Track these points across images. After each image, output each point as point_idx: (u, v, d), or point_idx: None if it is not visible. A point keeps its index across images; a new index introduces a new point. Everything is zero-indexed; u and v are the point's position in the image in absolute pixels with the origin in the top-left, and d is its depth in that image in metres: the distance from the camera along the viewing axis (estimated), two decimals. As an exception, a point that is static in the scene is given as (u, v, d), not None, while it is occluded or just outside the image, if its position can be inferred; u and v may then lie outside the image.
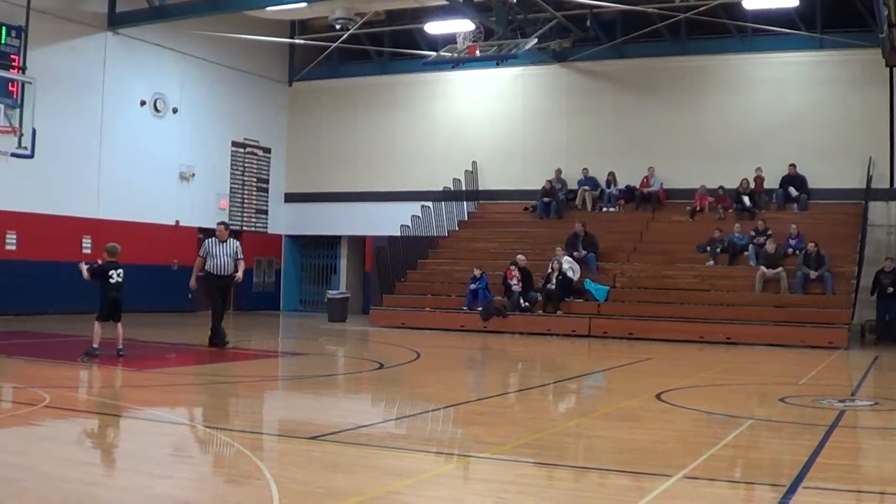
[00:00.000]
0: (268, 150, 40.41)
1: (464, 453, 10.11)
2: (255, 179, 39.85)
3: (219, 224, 21.76)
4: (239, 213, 38.92)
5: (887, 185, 32.18)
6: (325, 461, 9.26)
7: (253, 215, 39.78)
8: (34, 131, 26.07)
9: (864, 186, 31.76)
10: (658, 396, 14.42)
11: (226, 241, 20.98)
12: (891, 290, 28.11)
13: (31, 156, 26.77)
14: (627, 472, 9.16)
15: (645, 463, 9.59)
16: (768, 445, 11.16)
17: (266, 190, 40.50)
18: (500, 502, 8.06)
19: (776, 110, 33.93)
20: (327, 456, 9.52)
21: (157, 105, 35.12)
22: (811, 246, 28.89)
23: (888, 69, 31.62)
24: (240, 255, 21.00)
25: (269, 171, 40.61)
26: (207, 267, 20.84)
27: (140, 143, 34.26)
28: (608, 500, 8.17)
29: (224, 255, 20.77)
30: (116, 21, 33.11)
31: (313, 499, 7.61)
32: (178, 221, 35.87)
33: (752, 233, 30.92)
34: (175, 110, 35.81)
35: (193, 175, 36.51)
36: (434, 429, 12.10)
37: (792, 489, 8.22)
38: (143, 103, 34.57)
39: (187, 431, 10.89)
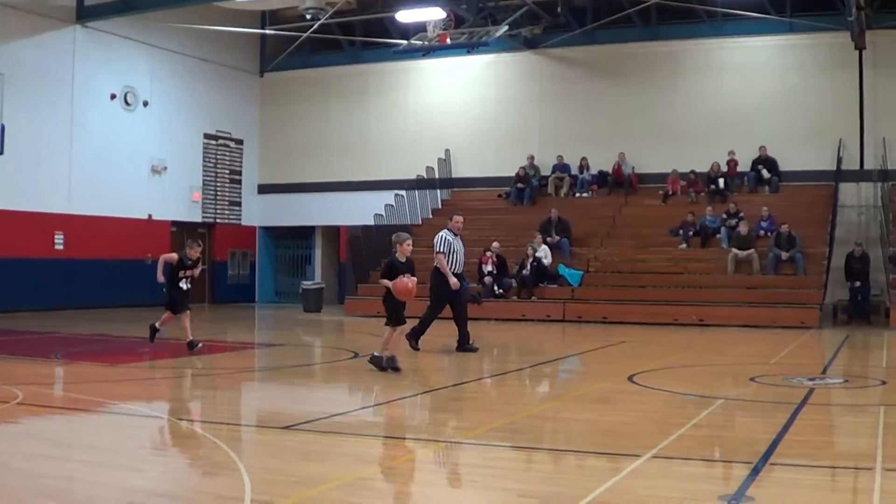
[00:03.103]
0: (240, 142, 40.35)
1: (436, 439, 10.17)
2: (227, 171, 39.78)
3: (456, 216, 19.70)
4: (212, 206, 38.87)
5: (857, 167, 32.37)
6: (298, 450, 9.30)
7: (226, 207, 39.71)
8: (3, 127, 25.83)
9: (835, 168, 31.99)
10: (630, 378, 14.52)
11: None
12: (858, 283, 28.37)
13: (1, 152, 26.61)
14: (598, 453, 9.27)
15: (616, 444, 9.69)
16: (738, 424, 11.27)
17: (239, 182, 40.42)
18: (470, 486, 8.14)
19: (747, 94, 34.07)
20: (300, 445, 9.57)
21: (128, 98, 34.99)
22: (783, 227, 29.11)
23: (857, 52, 31.74)
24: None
25: (241, 162, 40.52)
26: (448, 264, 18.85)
27: (111, 137, 34.09)
28: (579, 480, 8.23)
29: (461, 251, 19.20)
30: (85, 14, 32.92)
31: (285, 487, 7.65)
32: (150, 215, 35.76)
33: (724, 215, 31.09)
34: (146, 103, 35.68)
35: (165, 168, 36.39)
36: (407, 415, 12.16)
37: (758, 466, 8.32)
38: (113, 97, 34.41)
39: (161, 424, 10.89)
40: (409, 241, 15.64)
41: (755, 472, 8.14)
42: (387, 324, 15.41)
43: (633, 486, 7.83)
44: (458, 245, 18.88)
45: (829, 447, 9.77)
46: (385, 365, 15.01)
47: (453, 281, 18.37)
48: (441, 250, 18.54)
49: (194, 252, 18.83)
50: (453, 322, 18.98)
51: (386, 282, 15.07)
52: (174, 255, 18.97)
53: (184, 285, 18.70)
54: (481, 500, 7.72)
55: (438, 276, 18.63)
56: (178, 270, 18.57)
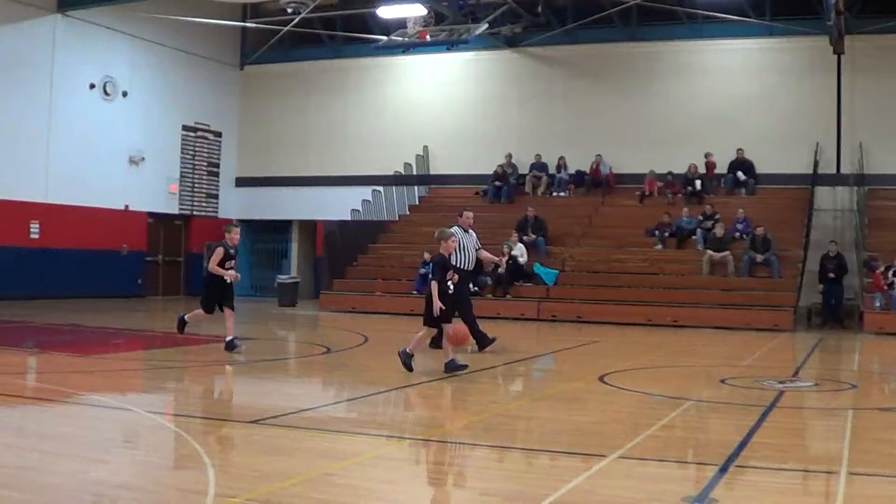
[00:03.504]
0: (219, 134, 40.22)
1: (403, 435, 10.17)
2: (205, 164, 39.66)
3: (466, 212, 19.30)
4: (189, 198, 38.76)
5: (834, 171, 32.49)
6: (264, 445, 9.30)
7: (203, 200, 39.59)
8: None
9: (811, 172, 32.13)
10: (602, 378, 14.55)
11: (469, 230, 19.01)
12: (832, 276, 28.41)
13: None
14: (565, 453, 9.29)
15: (583, 444, 9.72)
16: (706, 426, 11.30)
17: (217, 174, 40.29)
18: (434, 484, 8.15)
19: (725, 97, 34.17)
20: (267, 439, 9.56)
21: (107, 88, 34.85)
22: (758, 230, 29.20)
23: (836, 56, 31.84)
24: (479, 246, 19.15)
25: (219, 155, 40.38)
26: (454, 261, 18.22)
27: (89, 127, 33.91)
28: (544, 480, 8.26)
29: (473, 247, 18.88)
30: (66, 3, 32.72)
31: (249, 482, 7.66)
32: (127, 206, 35.60)
33: (701, 217, 31.16)
34: (125, 94, 35.53)
35: (143, 159, 36.24)
36: (376, 412, 12.14)
37: (724, 468, 8.35)
38: (92, 87, 34.24)
39: (129, 417, 10.83)
40: (454, 238, 15.55)
41: (721, 473, 8.19)
42: (425, 323, 15.08)
43: (597, 486, 7.85)
44: (467, 241, 18.51)
45: (795, 450, 9.78)
46: (448, 369, 14.67)
47: (455, 278, 18.15)
48: None
49: (235, 236, 17.67)
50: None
51: (436, 287, 14.77)
52: (220, 252, 17.31)
53: (228, 279, 17.39)
54: (443, 498, 7.74)
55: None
56: (223, 263, 17.27)
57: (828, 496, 7.81)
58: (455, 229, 18.20)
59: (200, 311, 17.77)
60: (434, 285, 14.80)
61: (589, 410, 12.13)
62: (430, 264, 15.92)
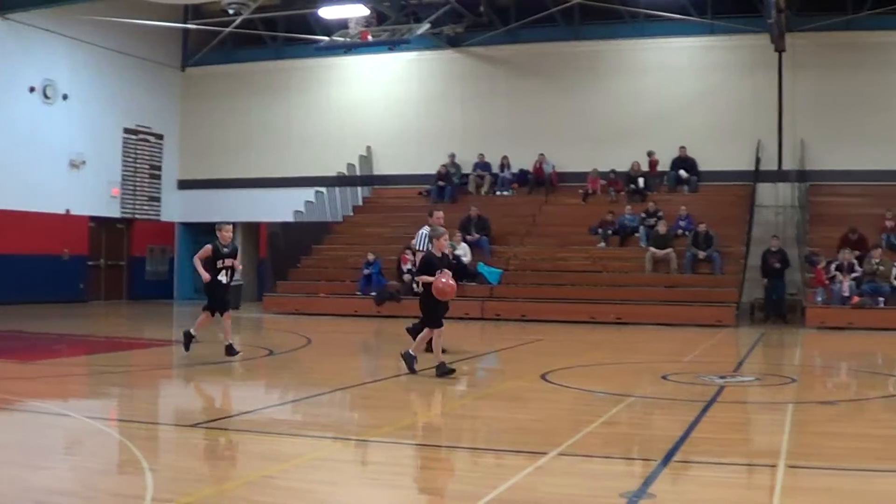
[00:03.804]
0: (160, 137, 39.89)
1: (344, 437, 10.12)
2: (147, 166, 39.32)
3: (437, 212, 18.85)
4: (131, 201, 38.43)
5: (775, 167, 32.68)
6: (203, 448, 9.27)
7: (145, 203, 39.26)
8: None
9: (753, 169, 32.36)
10: (544, 377, 14.57)
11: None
12: (778, 265, 28.64)
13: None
14: (505, 451, 9.30)
15: (523, 441, 9.72)
16: (646, 422, 11.35)
17: (159, 177, 39.94)
18: (373, 484, 8.12)
19: (667, 95, 34.34)
20: (207, 443, 9.53)
21: (47, 91, 34.46)
22: (700, 227, 29.39)
23: (777, 54, 32.03)
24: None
25: (161, 157, 40.02)
26: None
27: (29, 131, 33.47)
28: (483, 478, 8.24)
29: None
30: (5, 6, 32.30)
31: (187, 486, 7.62)
32: (68, 210, 35.21)
33: (643, 214, 31.30)
34: (65, 97, 35.13)
35: (84, 162, 35.85)
36: (317, 413, 12.08)
37: (663, 463, 8.38)
38: (32, 90, 33.82)
39: (70, 423, 10.72)
40: (447, 236, 15.21)
41: (660, 468, 8.22)
42: (426, 325, 14.80)
43: (536, 483, 7.86)
44: None
45: (734, 444, 9.84)
46: (439, 373, 14.35)
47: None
48: (422, 249, 18.12)
49: (227, 234, 16.91)
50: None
51: (426, 278, 14.45)
52: (207, 248, 16.62)
53: (223, 278, 16.65)
54: (383, 497, 7.71)
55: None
56: (215, 262, 16.50)
57: (766, 489, 7.86)
58: (427, 229, 18.13)
59: (206, 316, 16.90)
60: (423, 278, 14.57)
61: (531, 408, 12.14)
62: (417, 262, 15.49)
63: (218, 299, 16.69)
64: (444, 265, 14.62)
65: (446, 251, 15.00)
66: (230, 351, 16.62)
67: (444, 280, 14.24)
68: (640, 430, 10.85)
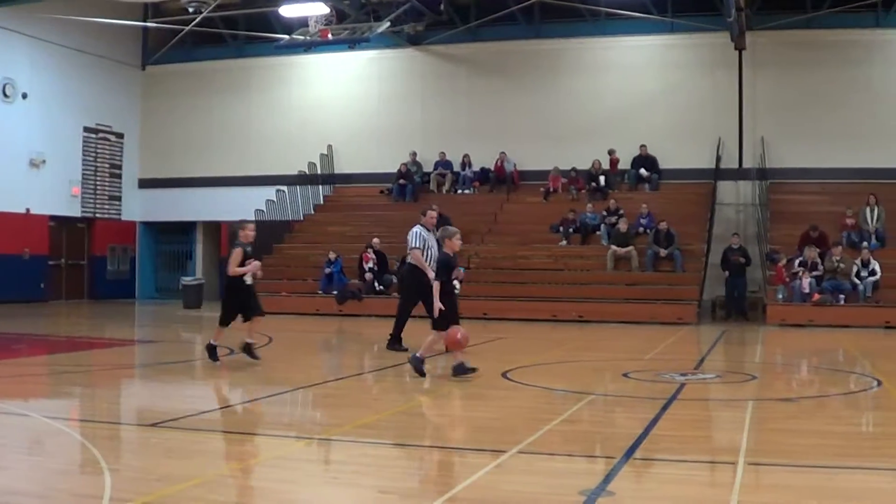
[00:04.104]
0: (121, 136, 39.68)
1: (302, 435, 10.08)
2: (108, 165, 39.11)
3: (430, 210, 18.53)
4: (92, 200, 38.20)
5: (736, 166, 32.94)
6: (162, 448, 9.18)
7: (106, 202, 39.05)
8: None
9: (714, 167, 32.52)
10: (504, 375, 14.56)
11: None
12: (742, 260, 28.76)
13: None
14: (464, 449, 9.27)
15: (482, 439, 9.69)
16: (606, 419, 11.36)
17: (119, 176, 39.74)
18: (332, 483, 8.07)
19: (628, 93, 34.47)
20: (165, 442, 9.43)
21: (6, 90, 34.21)
22: (661, 225, 29.46)
23: (737, 52, 32.27)
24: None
25: (122, 156, 39.83)
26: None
27: (-12, 130, 33.35)
28: (442, 476, 8.24)
29: (436, 247, 17.74)
30: (-36, 4, 32.25)
31: (145, 485, 7.54)
32: (28, 209, 35.01)
33: (605, 213, 31.36)
34: (25, 95, 34.88)
35: (44, 162, 35.62)
36: (277, 412, 12.00)
37: (623, 461, 8.37)
38: (-9, 88, 33.76)
39: (29, 422, 10.61)
40: (458, 236, 14.63)
41: (619, 466, 8.20)
42: (434, 328, 14.30)
43: (495, 481, 7.82)
44: (432, 241, 17.87)
45: (694, 442, 9.82)
46: (457, 372, 14.06)
47: (432, 276, 17.81)
48: (417, 246, 17.76)
49: (250, 232, 15.88)
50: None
51: (438, 287, 13.97)
52: (238, 252, 15.53)
53: (248, 279, 15.65)
54: (342, 496, 7.66)
55: (413, 273, 17.81)
56: (243, 264, 15.51)
57: (725, 486, 7.83)
58: (418, 228, 17.98)
59: (218, 329, 15.98)
60: (436, 286, 14.07)
61: (490, 406, 12.12)
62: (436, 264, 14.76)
63: (242, 303, 15.72)
64: (455, 265, 14.41)
65: (457, 251, 14.69)
66: (248, 351, 15.82)
67: (460, 335, 13.93)
68: (600, 427, 10.85)
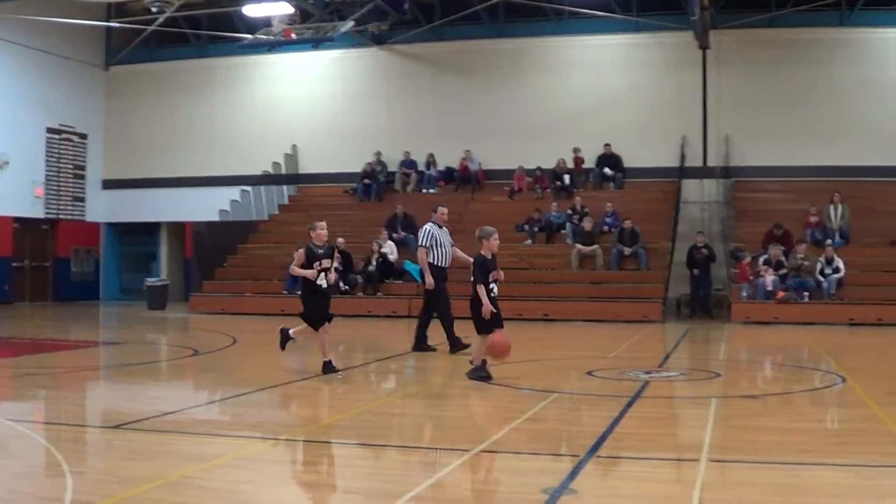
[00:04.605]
0: (84, 137, 39.42)
1: (266, 436, 10.02)
2: (71, 166, 38.85)
3: (441, 207, 18.57)
4: (55, 202, 37.95)
5: (700, 164, 33.00)
6: (124, 449, 9.14)
7: (70, 203, 38.79)
8: None
9: (679, 165, 32.63)
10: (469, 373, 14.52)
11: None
12: (706, 253, 28.88)
13: None
14: (428, 448, 9.29)
15: (446, 438, 9.72)
16: (570, 418, 11.36)
17: (83, 177, 39.46)
18: (295, 483, 8.06)
19: (593, 92, 34.50)
20: (127, 444, 9.38)
21: (-33, 91, 34.11)
22: (626, 223, 29.51)
23: (701, 51, 32.40)
24: (452, 242, 18.36)
25: (85, 157, 39.56)
26: (431, 259, 17.94)
27: (-51, 131, 33.10)
28: (405, 475, 8.21)
29: (448, 244, 18.22)
30: (-75, 5, 32.00)
31: (107, 487, 7.52)
32: (-9, 211, 34.87)
33: (569, 211, 31.39)
34: (-14, 96, 34.77)
35: (7, 163, 35.35)
36: (240, 413, 11.95)
37: (586, 459, 8.37)
38: (-49, 89, 33.52)
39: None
40: (496, 236, 14.35)
41: (582, 464, 8.21)
42: (479, 332, 13.84)
43: (458, 480, 7.84)
44: (444, 238, 18.02)
45: (657, 439, 9.84)
46: (476, 375, 13.66)
47: (429, 280, 17.61)
48: (424, 244, 17.80)
49: (321, 232, 15.04)
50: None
51: (482, 290, 13.62)
52: (300, 253, 14.82)
53: (322, 282, 14.68)
54: (305, 496, 7.66)
55: (434, 273, 17.79)
56: (311, 266, 14.63)
57: (688, 483, 7.84)
58: (430, 225, 17.93)
59: (305, 327, 15.02)
60: (481, 289, 13.65)
61: (454, 406, 12.15)
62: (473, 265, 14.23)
63: (315, 308, 14.79)
64: (494, 266, 14.02)
65: (495, 251, 14.33)
66: (329, 368, 14.59)
67: (501, 344, 13.51)
68: (564, 426, 10.86)
